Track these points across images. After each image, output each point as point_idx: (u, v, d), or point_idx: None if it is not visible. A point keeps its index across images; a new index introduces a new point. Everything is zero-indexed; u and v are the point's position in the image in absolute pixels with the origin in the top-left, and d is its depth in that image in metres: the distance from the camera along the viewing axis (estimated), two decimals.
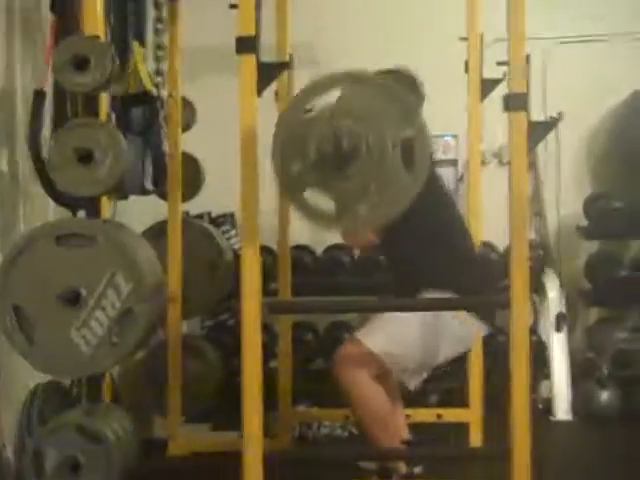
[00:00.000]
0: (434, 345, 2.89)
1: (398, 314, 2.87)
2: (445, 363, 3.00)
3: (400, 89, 2.32)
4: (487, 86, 3.50)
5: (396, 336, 2.87)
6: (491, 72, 3.44)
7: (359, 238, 3.02)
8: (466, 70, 3.54)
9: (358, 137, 2.22)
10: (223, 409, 3.67)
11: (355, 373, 2.85)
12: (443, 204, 3.07)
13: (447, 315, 2.86)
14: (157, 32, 3.41)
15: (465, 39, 3.52)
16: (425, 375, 2.97)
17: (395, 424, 2.97)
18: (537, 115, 2.60)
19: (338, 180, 2.26)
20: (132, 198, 3.29)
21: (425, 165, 2.26)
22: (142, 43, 3.17)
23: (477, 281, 2.96)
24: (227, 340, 4.37)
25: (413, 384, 2.94)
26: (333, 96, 2.29)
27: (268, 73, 2.50)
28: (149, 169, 3.28)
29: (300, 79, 3.62)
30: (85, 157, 2.49)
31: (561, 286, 4.22)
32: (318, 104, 2.30)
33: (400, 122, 2.25)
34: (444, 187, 3.16)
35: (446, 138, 4.77)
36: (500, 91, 2.59)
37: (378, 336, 2.87)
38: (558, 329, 3.98)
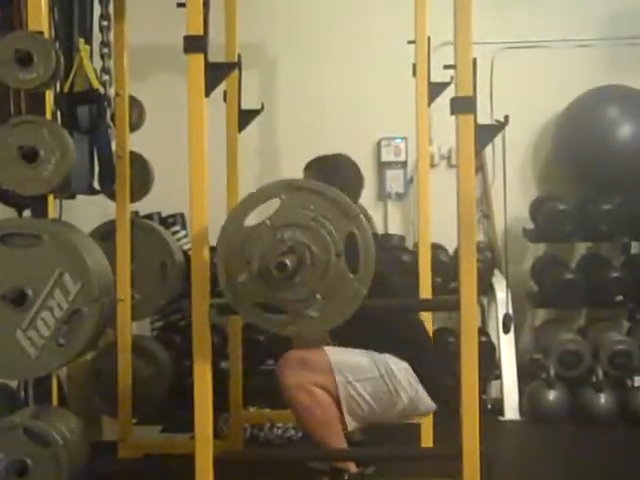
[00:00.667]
0: (385, 402, 2.89)
1: (362, 359, 2.88)
2: (385, 424, 3.01)
3: (338, 192, 2.36)
4: (435, 89, 3.52)
5: (356, 366, 2.86)
6: (440, 75, 3.48)
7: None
8: (414, 73, 3.57)
9: (302, 250, 2.29)
10: (174, 411, 3.66)
11: (299, 376, 2.81)
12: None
13: (401, 384, 2.88)
14: (102, 29, 3.37)
15: (413, 42, 3.54)
16: (363, 425, 2.95)
17: (339, 425, 2.96)
18: (484, 118, 2.63)
19: (284, 291, 2.32)
20: (80, 198, 3.25)
21: (370, 268, 2.33)
22: (88, 40, 3.13)
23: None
24: (178, 341, 4.34)
25: (351, 426, 2.88)
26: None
27: (216, 73, 2.50)
28: (96, 168, 3.24)
29: (249, 79, 3.64)
30: (30, 155, 2.46)
31: (508, 288, 4.27)
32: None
33: (342, 228, 2.32)
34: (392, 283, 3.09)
35: (396, 141, 4.81)
36: (450, 94, 2.62)
37: (342, 354, 2.87)
38: (505, 330, 4.01)
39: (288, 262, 2.25)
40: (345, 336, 2.89)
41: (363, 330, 2.77)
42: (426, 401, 2.95)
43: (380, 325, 2.85)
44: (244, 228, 2.36)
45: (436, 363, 3.06)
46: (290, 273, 2.27)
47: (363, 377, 2.85)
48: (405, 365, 2.90)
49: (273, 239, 2.30)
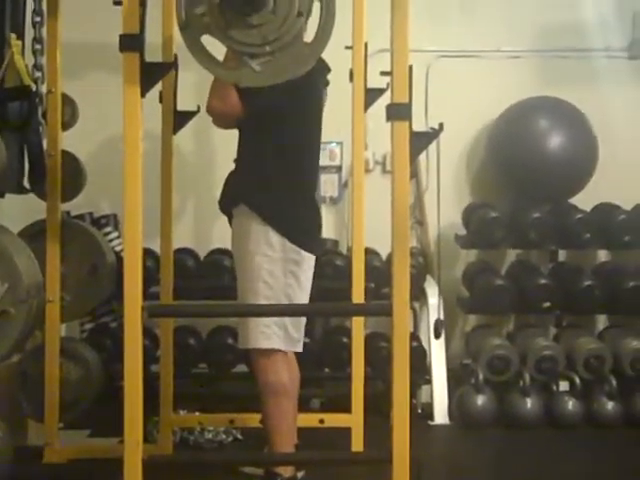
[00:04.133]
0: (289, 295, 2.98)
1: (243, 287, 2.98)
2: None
3: None
4: (371, 95, 3.55)
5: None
6: (376, 82, 3.50)
7: (228, 103, 2.93)
8: (351, 79, 3.59)
9: None
10: (103, 415, 3.60)
11: (279, 375, 2.97)
12: (312, 122, 3.16)
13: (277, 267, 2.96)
14: (35, 25, 3.30)
15: (350, 48, 3.56)
16: (302, 332, 3.07)
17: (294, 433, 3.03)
18: (419, 126, 2.66)
19: (239, 29, 2.29)
20: (9, 197, 3.18)
21: (326, 38, 2.33)
22: (20, 36, 3.07)
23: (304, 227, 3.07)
24: (108, 344, 4.28)
25: (300, 346, 3.06)
26: None
27: (153, 73, 2.46)
28: (27, 167, 3.18)
29: (185, 80, 3.62)
30: None
31: (440, 293, 4.32)
32: None
33: None
34: (319, 108, 3.21)
35: (331, 145, 4.83)
36: (386, 100, 2.65)
37: (257, 327, 2.93)
38: (436, 336, 4.06)
39: None
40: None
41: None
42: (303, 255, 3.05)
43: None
44: None
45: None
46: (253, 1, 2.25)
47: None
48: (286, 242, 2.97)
49: None
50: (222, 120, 3.07)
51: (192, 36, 2.33)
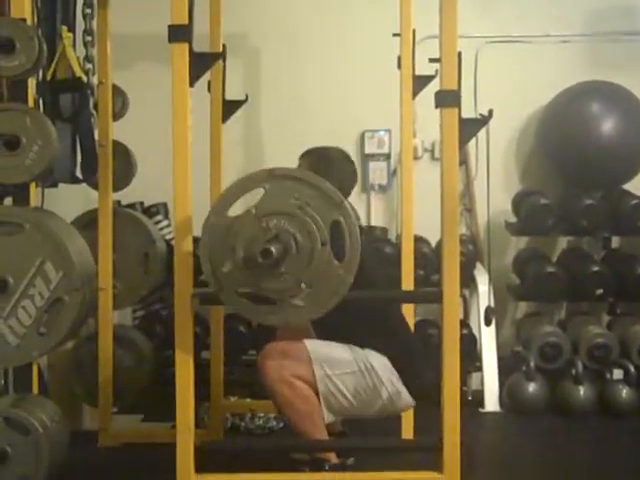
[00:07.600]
0: (364, 398, 2.89)
1: (343, 354, 2.88)
2: (367, 418, 2.99)
3: (321, 180, 2.38)
4: (419, 82, 3.53)
5: (335, 360, 2.86)
6: (424, 68, 3.48)
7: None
8: (399, 66, 3.57)
9: (287, 238, 2.31)
10: (155, 400, 3.66)
11: (281, 369, 2.82)
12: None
13: (381, 381, 2.88)
14: (85, 17, 3.34)
15: (398, 35, 3.55)
16: (341, 417, 2.97)
17: (321, 417, 2.96)
18: (468, 112, 2.64)
19: (269, 279, 2.33)
20: (62, 186, 3.24)
21: (356, 255, 2.35)
22: (71, 28, 3.11)
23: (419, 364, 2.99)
24: (159, 330, 4.33)
25: (329, 418, 2.89)
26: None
27: (201, 63, 2.50)
28: (79, 157, 3.23)
29: (233, 69, 3.63)
30: (12, 143, 2.45)
31: (490, 281, 4.29)
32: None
33: (326, 215, 2.33)
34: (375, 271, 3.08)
35: (380, 133, 4.82)
36: (435, 87, 2.63)
37: (321, 347, 2.87)
38: (487, 323, 4.04)
39: (273, 249, 2.26)
40: (327, 328, 2.89)
41: (345, 322, 2.77)
42: (405, 398, 2.95)
43: (362, 318, 2.85)
44: (228, 218, 2.35)
45: (418, 358, 3.04)
46: (275, 261, 2.28)
47: (342, 371, 2.85)
48: (386, 361, 2.89)
49: (258, 227, 2.31)
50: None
51: (230, 297, 2.38)
